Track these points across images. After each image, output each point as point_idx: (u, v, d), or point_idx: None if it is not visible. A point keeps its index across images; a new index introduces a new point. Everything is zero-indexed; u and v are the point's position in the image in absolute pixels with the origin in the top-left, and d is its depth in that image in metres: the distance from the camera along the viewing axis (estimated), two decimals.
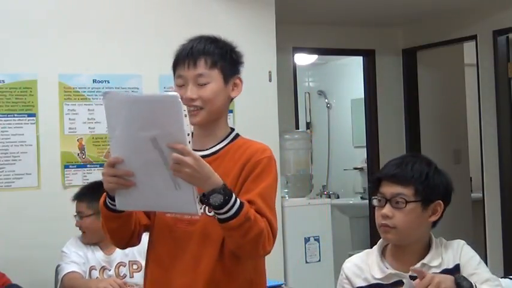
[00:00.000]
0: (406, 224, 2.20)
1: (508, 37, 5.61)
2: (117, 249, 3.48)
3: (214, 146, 2.13)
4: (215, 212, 1.91)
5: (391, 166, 2.29)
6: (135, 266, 3.47)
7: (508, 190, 5.59)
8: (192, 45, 2.13)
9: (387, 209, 2.23)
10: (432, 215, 2.23)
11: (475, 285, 2.06)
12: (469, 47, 6.26)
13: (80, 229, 3.51)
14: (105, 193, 2.01)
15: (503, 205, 5.60)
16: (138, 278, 3.45)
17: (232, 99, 2.18)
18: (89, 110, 4.07)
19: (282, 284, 4.03)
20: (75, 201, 3.53)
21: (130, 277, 3.44)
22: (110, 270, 3.44)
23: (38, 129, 3.95)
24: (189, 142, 1.80)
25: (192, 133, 2.15)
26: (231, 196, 1.89)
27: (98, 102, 4.09)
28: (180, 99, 1.77)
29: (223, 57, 2.12)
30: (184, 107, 1.79)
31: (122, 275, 3.43)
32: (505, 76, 5.60)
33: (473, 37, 5.79)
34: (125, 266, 3.46)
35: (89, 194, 3.53)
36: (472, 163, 6.66)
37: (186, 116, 1.78)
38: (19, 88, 3.93)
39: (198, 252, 2.06)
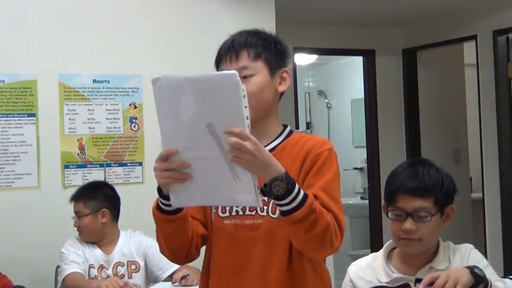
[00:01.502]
0: (430, 235, 2.17)
1: (508, 37, 5.60)
2: (116, 249, 3.49)
3: (268, 145, 1.95)
4: (277, 204, 1.75)
5: (406, 178, 2.19)
6: (133, 266, 3.47)
7: (508, 190, 5.59)
8: (234, 38, 1.98)
9: (410, 224, 2.15)
10: (446, 219, 2.23)
11: (490, 281, 2.03)
12: (469, 47, 6.25)
13: (77, 229, 3.51)
14: (156, 197, 1.86)
15: (503, 205, 5.60)
16: (137, 278, 3.45)
17: (281, 94, 2.02)
18: (89, 110, 4.07)
19: None
20: (73, 202, 3.54)
21: (128, 277, 3.44)
22: (107, 269, 3.44)
23: (38, 129, 3.95)
24: (248, 126, 1.65)
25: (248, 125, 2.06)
26: (294, 185, 1.72)
27: (98, 102, 4.09)
28: (238, 78, 1.62)
29: (267, 49, 1.97)
30: (243, 86, 1.63)
31: (120, 274, 3.43)
32: (505, 76, 5.60)
33: (473, 37, 5.79)
34: (123, 266, 3.46)
35: (86, 193, 3.54)
36: (472, 163, 6.66)
37: (244, 96, 1.63)
38: (19, 88, 3.93)
39: (265, 258, 1.90)
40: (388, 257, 2.30)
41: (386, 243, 2.33)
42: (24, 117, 3.94)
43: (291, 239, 1.86)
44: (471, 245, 2.24)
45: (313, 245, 1.82)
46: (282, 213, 1.75)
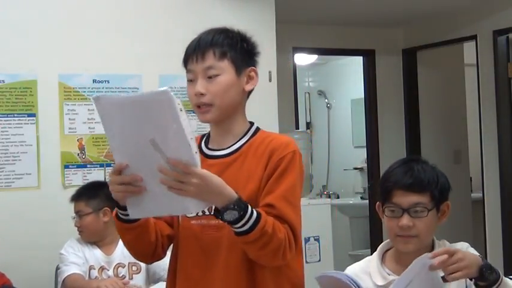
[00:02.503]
0: (427, 231, 2.17)
1: (508, 37, 5.60)
2: (117, 250, 3.47)
3: (233, 145, 2.00)
4: (230, 226, 1.80)
5: (401, 174, 2.19)
6: (134, 268, 3.46)
7: (508, 190, 5.59)
8: (200, 37, 2.01)
9: (407, 220, 2.14)
10: (441, 216, 2.23)
11: (502, 277, 2.01)
12: (469, 47, 6.25)
13: (78, 229, 3.50)
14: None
15: (503, 205, 5.60)
16: (138, 279, 3.44)
17: (248, 93, 2.04)
18: (89, 110, 4.06)
19: None
20: (73, 202, 3.53)
21: (129, 278, 3.42)
22: (108, 270, 3.43)
23: (38, 129, 3.95)
24: (192, 139, 1.66)
25: (209, 133, 2.07)
26: (246, 210, 1.77)
27: None
28: (171, 94, 1.63)
29: (233, 48, 1.98)
30: (179, 101, 1.65)
31: (120, 276, 3.41)
32: (505, 76, 5.60)
33: (473, 37, 5.79)
34: (124, 267, 3.44)
35: (87, 193, 3.52)
36: (472, 163, 6.66)
37: (181, 110, 1.64)
38: (19, 88, 3.93)
39: (227, 259, 1.93)
40: (383, 259, 2.28)
41: (380, 245, 2.33)
42: (24, 117, 3.94)
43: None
44: (467, 243, 2.23)
45: (266, 259, 1.88)
46: (235, 233, 1.81)
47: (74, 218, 3.51)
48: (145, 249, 2.01)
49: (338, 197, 7.42)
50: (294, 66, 6.16)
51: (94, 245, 3.49)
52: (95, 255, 3.46)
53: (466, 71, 6.68)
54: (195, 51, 1.98)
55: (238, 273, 1.93)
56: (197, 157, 1.69)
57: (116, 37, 4.18)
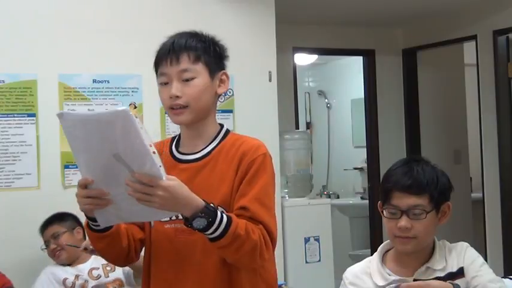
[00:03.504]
0: (426, 233, 2.17)
1: (508, 37, 5.60)
2: (88, 261, 3.51)
3: (204, 148, 2.02)
4: (202, 233, 1.82)
5: (400, 176, 2.19)
6: (108, 267, 3.48)
7: (508, 190, 5.59)
8: (174, 40, 2.04)
9: (405, 221, 2.15)
10: (441, 216, 2.22)
11: None
12: (469, 47, 6.25)
13: (54, 251, 3.52)
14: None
15: (503, 205, 5.60)
16: (115, 275, 3.47)
17: (219, 96, 2.07)
18: (88, 110, 4.06)
19: (282, 284, 4.03)
20: (44, 231, 3.57)
21: (105, 277, 3.46)
22: (83, 275, 3.47)
23: (38, 129, 3.95)
24: (154, 153, 1.70)
25: (179, 135, 2.10)
26: (215, 217, 1.79)
27: (98, 102, 4.09)
28: (130, 113, 1.67)
29: (207, 51, 2.01)
30: (138, 120, 1.69)
31: (96, 276, 3.44)
32: (505, 76, 5.60)
33: (473, 37, 5.79)
34: (98, 269, 3.48)
35: (55, 218, 3.59)
36: (472, 163, 6.66)
37: (142, 128, 1.69)
38: (19, 88, 3.93)
39: (202, 262, 1.95)
40: (383, 259, 2.28)
41: (381, 245, 2.33)
42: (24, 117, 3.94)
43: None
44: (467, 243, 2.23)
45: (243, 261, 1.90)
46: (208, 239, 1.82)
47: (45, 247, 3.55)
48: (118, 255, 2.05)
49: (338, 197, 7.42)
50: (294, 66, 6.16)
51: (67, 266, 3.52)
52: (68, 271, 3.49)
53: (466, 71, 6.68)
54: (169, 54, 2.00)
55: (214, 276, 1.95)
56: (162, 170, 1.71)
57: (115, 37, 4.17)
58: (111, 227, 1.95)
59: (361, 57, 6.57)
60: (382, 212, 2.22)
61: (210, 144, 2.03)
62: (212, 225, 1.79)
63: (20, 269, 3.69)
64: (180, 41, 2.02)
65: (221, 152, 2.00)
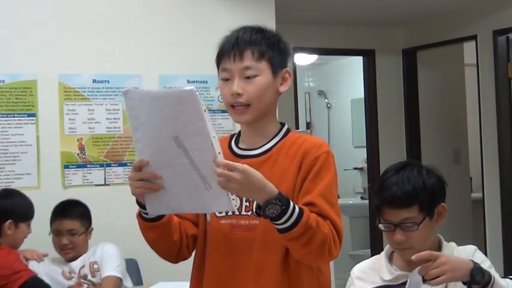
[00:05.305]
0: (421, 242, 2.18)
1: (508, 37, 5.60)
2: (79, 259, 3.48)
3: (264, 145, 1.97)
4: (273, 223, 1.76)
5: (389, 188, 2.20)
6: (96, 266, 3.46)
7: (508, 190, 5.59)
8: (238, 35, 1.95)
9: (399, 234, 2.18)
10: (438, 217, 2.23)
11: (494, 278, 2.01)
12: (469, 47, 6.25)
13: (65, 247, 3.48)
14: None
15: (503, 205, 5.60)
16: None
17: (280, 94, 2.01)
18: (89, 110, 4.07)
19: None
20: (62, 219, 3.50)
21: (92, 276, 3.43)
22: (75, 273, 3.45)
23: (38, 129, 3.95)
24: (214, 137, 1.67)
25: (239, 132, 2.05)
26: (288, 205, 1.73)
27: (97, 102, 4.09)
28: (197, 93, 1.64)
29: (271, 48, 1.95)
30: (203, 102, 1.66)
31: (83, 274, 3.43)
32: (505, 76, 5.60)
33: (473, 37, 5.79)
34: (83, 267, 3.46)
35: (77, 210, 3.53)
36: (472, 163, 6.65)
37: (205, 111, 1.65)
38: (19, 88, 3.93)
39: (260, 261, 1.88)
40: (390, 257, 2.31)
41: (387, 245, 2.34)
42: (24, 117, 3.94)
43: (290, 250, 1.86)
44: (475, 247, 2.23)
45: (312, 256, 1.84)
46: (278, 231, 1.77)
47: (65, 234, 3.48)
48: (169, 248, 1.98)
49: (338, 197, 7.38)
50: (294, 66, 6.14)
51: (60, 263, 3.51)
52: (56, 271, 3.47)
53: (466, 71, 6.68)
54: (232, 50, 1.93)
55: (273, 277, 1.88)
56: (221, 157, 1.68)
57: (115, 37, 4.18)
58: (162, 217, 1.90)
59: (361, 57, 6.57)
60: (378, 225, 2.24)
61: (270, 141, 1.98)
62: (285, 214, 1.73)
63: None
64: (245, 36, 1.94)
65: (282, 150, 1.95)
